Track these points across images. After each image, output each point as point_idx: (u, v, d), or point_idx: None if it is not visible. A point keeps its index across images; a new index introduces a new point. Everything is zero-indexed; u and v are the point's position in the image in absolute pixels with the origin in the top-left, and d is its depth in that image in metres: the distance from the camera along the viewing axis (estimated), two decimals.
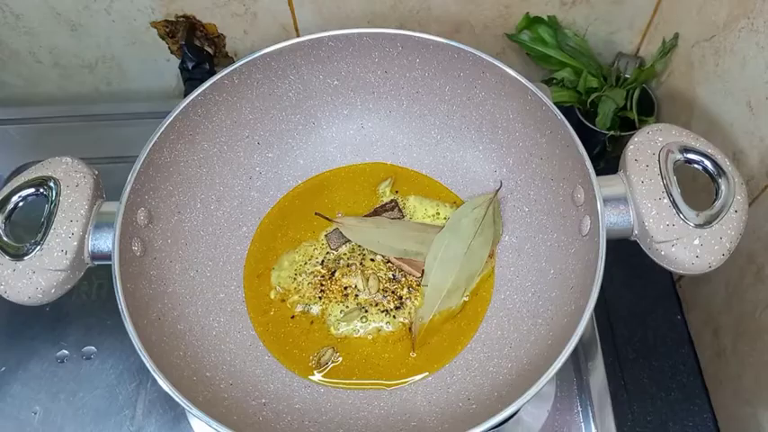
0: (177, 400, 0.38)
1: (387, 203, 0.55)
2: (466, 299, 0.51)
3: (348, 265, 0.52)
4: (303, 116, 0.56)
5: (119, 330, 0.38)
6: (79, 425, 0.51)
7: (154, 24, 0.62)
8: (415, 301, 0.51)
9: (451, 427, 0.43)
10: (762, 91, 0.48)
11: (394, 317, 0.50)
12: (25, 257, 0.41)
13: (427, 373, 0.48)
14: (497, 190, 0.53)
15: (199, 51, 0.63)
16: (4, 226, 0.43)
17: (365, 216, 0.54)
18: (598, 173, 0.42)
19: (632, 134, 0.45)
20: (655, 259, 0.42)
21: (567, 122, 0.45)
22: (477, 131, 0.54)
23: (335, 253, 0.53)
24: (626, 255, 0.43)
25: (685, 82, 0.59)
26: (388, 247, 0.52)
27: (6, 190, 0.44)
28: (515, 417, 0.48)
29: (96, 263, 0.43)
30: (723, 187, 0.42)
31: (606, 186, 0.43)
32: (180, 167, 0.49)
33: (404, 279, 0.52)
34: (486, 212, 0.51)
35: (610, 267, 0.39)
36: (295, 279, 0.52)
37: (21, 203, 0.44)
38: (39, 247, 0.42)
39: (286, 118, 0.55)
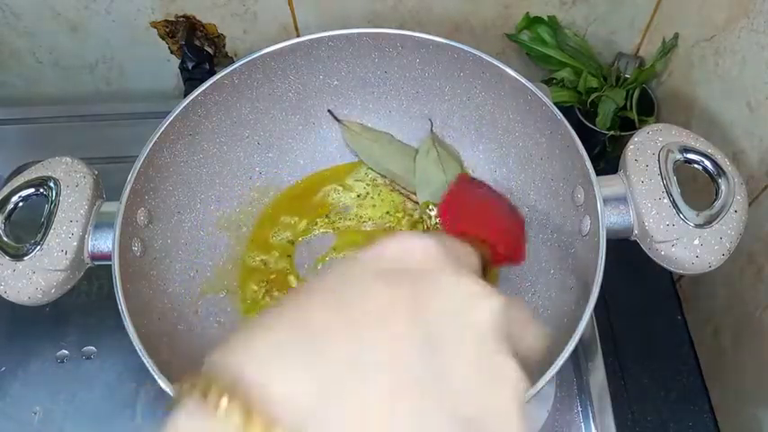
0: None
1: None
2: None
3: None
4: (303, 116, 0.56)
5: (119, 330, 0.38)
6: (79, 425, 0.51)
7: (154, 24, 0.62)
8: None
9: None
10: (762, 91, 0.48)
11: None
12: (25, 257, 0.41)
13: None
14: (431, 129, 0.55)
15: (199, 51, 0.63)
16: (4, 226, 0.43)
17: None
18: (598, 173, 0.42)
19: (632, 134, 0.45)
20: (655, 259, 0.42)
21: (566, 122, 0.45)
22: (477, 131, 0.54)
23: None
24: (626, 255, 0.43)
25: (685, 82, 0.59)
26: (375, 162, 0.56)
27: (6, 190, 0.44)
28: None
29: (96, 263, 0.43)
30: (723, 187, 0.42)
31: (606, 186, 0.42)
32: (180, 167, 0.49)
33: None
34: (437, 150, 0.54)
35: (610, 267, 0.39)
36: None
37: (21, 203, 0.44)
38: (39, 247, 0.42)
39: (286, 118, 0.55)
